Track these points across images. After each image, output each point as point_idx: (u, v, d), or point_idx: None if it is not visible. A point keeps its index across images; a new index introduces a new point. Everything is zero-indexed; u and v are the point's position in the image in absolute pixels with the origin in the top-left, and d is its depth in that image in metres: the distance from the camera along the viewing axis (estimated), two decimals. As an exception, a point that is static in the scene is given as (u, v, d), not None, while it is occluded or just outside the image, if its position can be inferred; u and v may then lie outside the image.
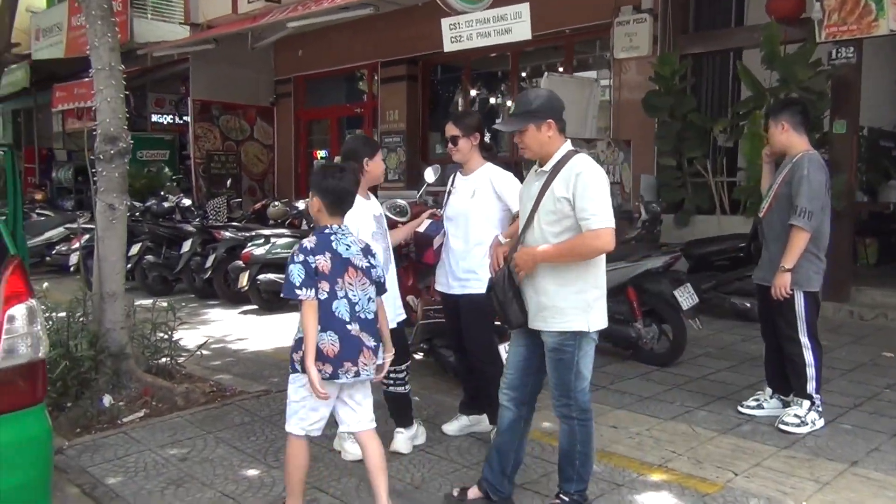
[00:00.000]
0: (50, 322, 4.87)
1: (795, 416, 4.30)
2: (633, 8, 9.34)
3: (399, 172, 12.44)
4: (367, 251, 3.19)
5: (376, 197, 4.15)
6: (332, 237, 3.10)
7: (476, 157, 4.10)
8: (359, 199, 3.87)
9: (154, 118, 17.15)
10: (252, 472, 3.85)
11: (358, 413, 3.21)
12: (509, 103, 11.45)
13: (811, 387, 4.30)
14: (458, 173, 4.21)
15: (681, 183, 8.90)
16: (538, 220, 3.13)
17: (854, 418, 4.52)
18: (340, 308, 3.05)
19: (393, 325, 3.94)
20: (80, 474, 3.85)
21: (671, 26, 9.20)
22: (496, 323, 4.02)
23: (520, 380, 3.30)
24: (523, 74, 11.95)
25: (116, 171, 5.02)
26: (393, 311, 3.98)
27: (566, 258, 3.07)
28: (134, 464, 3.97)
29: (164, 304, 5.48)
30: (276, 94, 15.03)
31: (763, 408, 4.58)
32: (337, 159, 10.02)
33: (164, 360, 5.38)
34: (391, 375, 4.00)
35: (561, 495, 3.25)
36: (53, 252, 10.79)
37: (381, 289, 3.25)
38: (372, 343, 3.12)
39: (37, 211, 13.24)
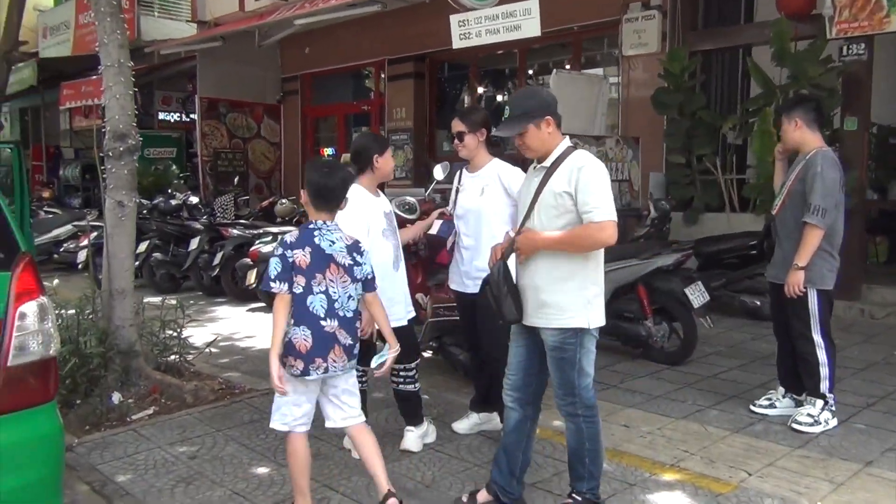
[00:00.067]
0: (59, 319, 4.86)
1: (808, 415, 4.27)
2: (642, 4, 9.29)
3: (406, 170, 12.41)
4: (353, 248, 3.17)
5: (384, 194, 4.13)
6: (316, 232, 3.12)
7: (483, 153, 4.07)
8: (369, 196, 3.87)
9: (161, 116, 17.18)
10: (262, 470, 3.84)
11: (344, 410, 3.22)
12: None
13: (825, 386, 4.27)
14: (465, 170, 4.18)
15: (690, 180, 8.85)
16: (538, 214, 3.11)
17: (867, 418, 4.49)
18: (316, 303, 3.06)
19: (403, 322, 3.94)
20: (90, 472, 3.85)
21: (680, 23, 9.16)
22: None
23: (522, 380, 3.28)
24: (531, 72, 11.91)
25: (125, 168, 5.01)
26: (403, 308, 3.97)
27: (568, 248, 3.04)
28: (143, 461, 3.96)
29: (173, 302, 5.47)
30: (283, 92, 15.02)
31: (775, 407, 4.55)
32: (345, 157, 10.07)
33: (172, 357, 5.39)
34: (401, 374, 3.99)
35: (573, 495, 3.22)
36: (61, 249, 10.82)
37: (368, 286, 3.22)
38: (348, 341, 3.12)
39: (45, 209, 13.28)
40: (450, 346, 5.19)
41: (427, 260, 5.41)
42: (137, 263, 8.26)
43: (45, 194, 15.53)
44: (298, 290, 3.05)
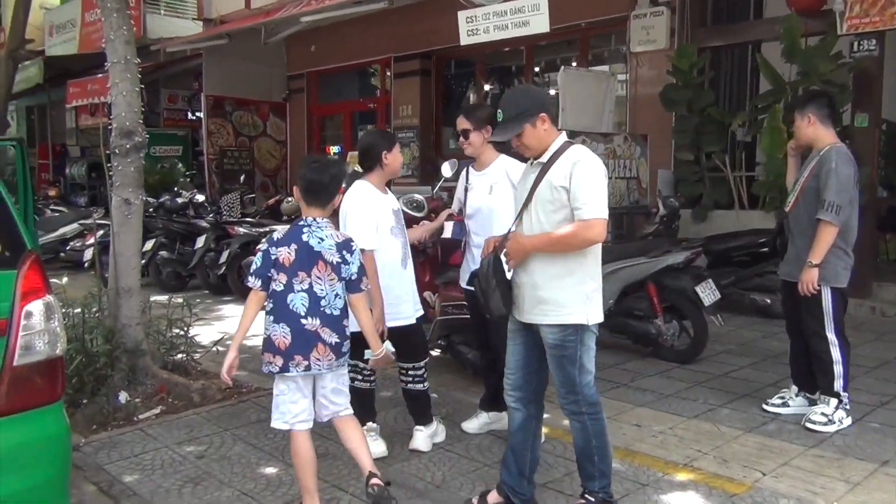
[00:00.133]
0: (65, 318, 4.84)
1: (822, 414, 4.22)
2: (650, 1, 9.23)
3: (412, 168, 12.37)
4: (342, 246, 3.12)
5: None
6: (305, 229, 3.10)
7: (489, 150, 4.02)
8: (378, 193, 3.84)
9: (167, 114, 17.17)
10: (270, 470, 3.81)
11: (329, 408, 3.21)
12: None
13: (839, 384, 4.22)
14: (471, 168, 4.13)
15: (699, 178, 8.78)
16: (534, 209, 3.08)
17: (882, 416, 4.43)
18: (296, 301, 3.04)
19: (412, 320, 3.90)
20: (97, 472, 3.82)
21: (689, 19, 9.09)
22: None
23: (523, 379, 3.24)
24: (537, 69, 11.85)
25: (132, 165, 4.98)
26: (411, 306, 3.93)
27: (557, 248, 3.00)
28: (151, 461, 3.94)
29: (180, 300, 5.44)
30: (289, 90, 15.00)
31: (788, 406, 4.50)
32: (353, 154, 10.03)
33: (179, 356, 5.36)
34: (410, 373, 3.95)
35: (586, 495, 3.17)
36: (67, 248, 10.82)
37: (352, 286, 3.15)
38: (334, 339, 3.08)
39: (51, 207, 13.28)
40: (458, 345, 5.15)
41: (434, 258, 5.38)
42: (143, 262, 8.26)
43: (52, 192, 15.55)
44: (279, 287, 3.05)
